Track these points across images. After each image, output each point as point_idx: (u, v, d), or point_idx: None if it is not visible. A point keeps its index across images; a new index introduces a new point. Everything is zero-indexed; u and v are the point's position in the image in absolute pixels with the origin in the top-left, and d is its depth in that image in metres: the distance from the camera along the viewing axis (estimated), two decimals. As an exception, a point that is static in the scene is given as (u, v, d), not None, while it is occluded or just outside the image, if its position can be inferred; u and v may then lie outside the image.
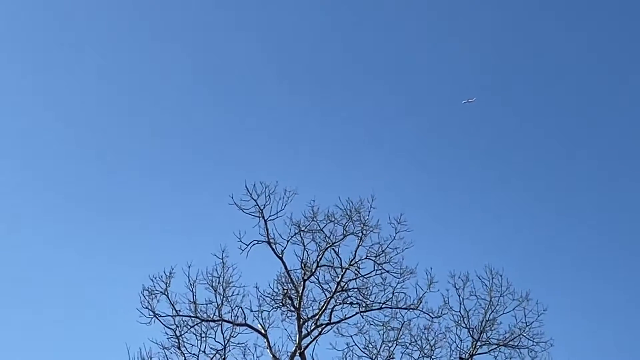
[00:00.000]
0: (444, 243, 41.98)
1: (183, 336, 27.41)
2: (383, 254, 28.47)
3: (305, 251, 28.53)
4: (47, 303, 47.39)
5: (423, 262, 28.52)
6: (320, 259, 28.54)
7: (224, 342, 27.42)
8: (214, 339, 27.51)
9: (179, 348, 27.30)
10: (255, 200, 28.24)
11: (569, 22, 58.86)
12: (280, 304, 28.34)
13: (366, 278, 28.55)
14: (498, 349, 28.04)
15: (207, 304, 27.72)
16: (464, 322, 28.17)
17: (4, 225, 52.26)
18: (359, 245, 28.58)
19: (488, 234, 49.04)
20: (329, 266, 28.63)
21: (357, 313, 28.40)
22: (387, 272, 28.45)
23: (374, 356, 27.90)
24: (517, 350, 27.91)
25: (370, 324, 28.27)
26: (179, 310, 27.55)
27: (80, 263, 48.62)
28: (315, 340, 27.88)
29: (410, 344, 28.07)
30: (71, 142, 56.00)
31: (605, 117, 57.55)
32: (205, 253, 28.51)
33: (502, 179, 55.17)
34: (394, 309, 28.30)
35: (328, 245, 28.56)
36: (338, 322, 28.28)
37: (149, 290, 27.55)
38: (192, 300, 27.64)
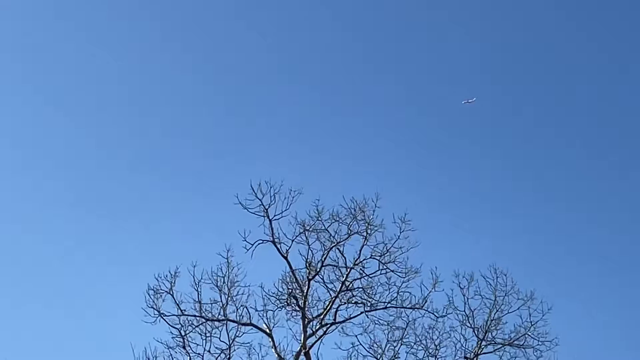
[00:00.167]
0: (449, 242, 42.00)
1: (188, 336, 27.51)
2: (388, 254, 28.50)
3: (310, 251, 28.60)
4: (53, 302, 47.59)
5: (428, 261, 28.58)
6: (325, 258, 28.55)
7: (229, 341, 27.50)
8: (219, 338, 27.62)
9: (184, 347, 27.35)
10: (260, 200, 28.29)
11: (572, 22, 58.90)
12: (285, 303, 28.35)
13: (371, 277, 28.61)
14: (503, 348, 28.04)
15: (212, 304, 27.81)
16: (469, 322, 28.19)
17: (13, 226, 52.49)
18: (363, 245, 28.63)
19: (492, 233, 49.08)
20: (334, 266, 28.65)
21: (362, 312, 28.42)
22: (392, 271, 28.50)
23: (378, 356, 27.91)
24: (522, 349, 27.90)
25: (375, 324, 28.33)
26: (184, 310, 27.63)
27: (85, 262, 48.84)
28: (320, 340, 27.94)
29: (415, 343, 28.15)
30: (78, 143, 56.22)
31: (614, 117, 57.57)
32: (210, 252, 28.62)
33: (507, 179, 55.26)
34: (398, 309, 28.34)
35: (333, 244, 28.57)
36: (343, 321, 28.30)
37: (154, 289, 27.63)
38: (197, 300, 27.72)
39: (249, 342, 27.57)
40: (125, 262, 47.02)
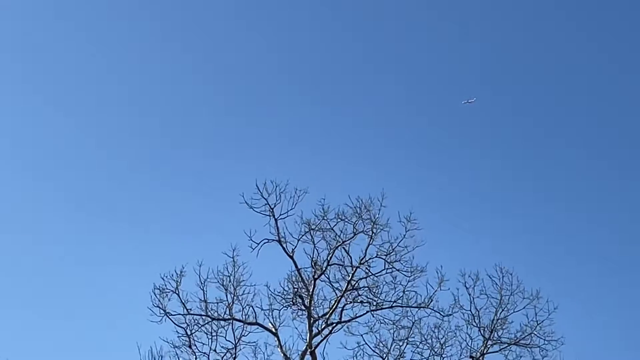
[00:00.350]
0: (454, 241, 41.93)
1: (194, 335, 27.52)
2: (393, 253, 28.46)
3: (315, 250, 28.54)
4: (59, 302, 47.62)
5: (433, 260, 28.54)
6: (331, 257, 28.53)
7: (235, 340, 27.51)
8: (225, 337, 27.62)
9: (189, 347, 27.35)
10: (265, 199, 28.28)
11: (572, 22, 58.90)
12: (291, 302, 28.33)
13: (376, 277, 28.56)
14: (509, 347, 28.01)
15: (217, 303, 27.82)
16: (475, 321, 28.17)
17: (16, 225, 52.56)
18: (369, 244, 28.57)
19: (498, 232, 49.04)
20: (340, 265, 28.61)
21: (367, 312, 28.39)
22: (398, 270, 28.44)
23: (384, 355, 27.89)
24: (528, 349, 27.87)
25: (381, 323, 28.29)
26: (190, 309, 27.62)
27: (91, 262, 48.82)
28: (325, 339, 27.91)
29: (420, 342, 28.10)
30: (80, 143, 56.29)
31: (614, 117, 57.53)
32: (216, 252, 28.61)
33: (512, 178, 55.21)
34: (404, 308, 28.29)
35: (338, 243, 28.54)
36: (348, 320, 28.26)
37: (160, 289, 27.64)
38: (203, 299, 27.73)
39: (254, 342, 27.66)
40: (130, 261, 47.11)
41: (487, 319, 28.18)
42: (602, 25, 58.73)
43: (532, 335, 27.92)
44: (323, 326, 28.03)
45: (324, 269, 28.45)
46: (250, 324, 27.76)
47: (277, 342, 27.69)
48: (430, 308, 28.16)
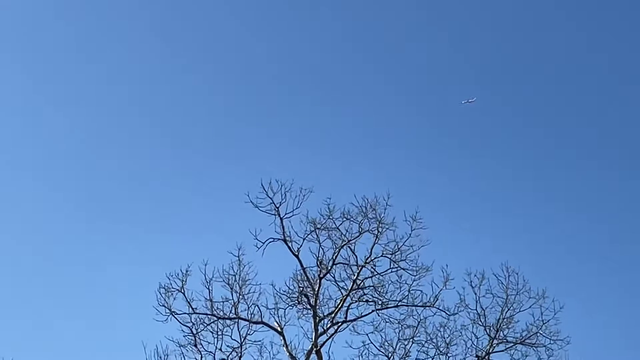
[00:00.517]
0: (460, 241, 41.90)
1: (199, 334, 27.49)
2: (399, 252, 28.45)
3: (321, 249, 28.56)
4: (64, 302, 47.68)
5: (439, 259, 28.52)
6: (336, 256, 28.53)
7: (240, 339, 27.48)
8: (231, 336, 27.61)
9: (195, 346, 27.34)
10: (271, 198, 28.28)
11: (572, 22, 58.86)
12: (297, 301, 28.33)
13: (382, 276, 28.56)
14: (515, 347, 27.96)
15: (223, 302, 27.82)
16: (481, 320, 28.13)
17: (23, 225, 52.67)
18: (374, 243, 28.57)
19: (504, 231, 48.98)
20: (345, 264, 28.60)
21: (373, 311, 28.37)
22: (403, 269, 28.44)
23: (389, 354, 27.86)
24: (534, 348, 27.83)
25: (386, 322, 28.27)
26: (196, 308, 27.65)
27: (96, 261, 48.87)
28: (331, 338, 27.89)
29: (426, 341, 28.09)
30: (88, 144, 56.38)
31: (614, 117, 57.51)
32: (221, 251, 28.61)
33: (519, 177, 55.16)
34: (410, 307, 28.29)
35: (344, 243, 28.53)
36: (354, 320, 28.24)
37: (166, 288, 27.62)
38: (208, 298, 27.71)
39: (260, 341, 27.63)
40: (136, 261, 47.15)
41: (493, 318, 28.18)
42: (602, 25, 58.75)
43: (538, 334, 27.88)
44: (328, 325, 28.03)
45: (329, 268, 28.44)
46: (256, 323, 27.75)
47: (282, 341, 27.70)
48: (435, 307, 28.19)
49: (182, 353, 27.10)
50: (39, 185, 54.93)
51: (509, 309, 28.13)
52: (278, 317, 27.98)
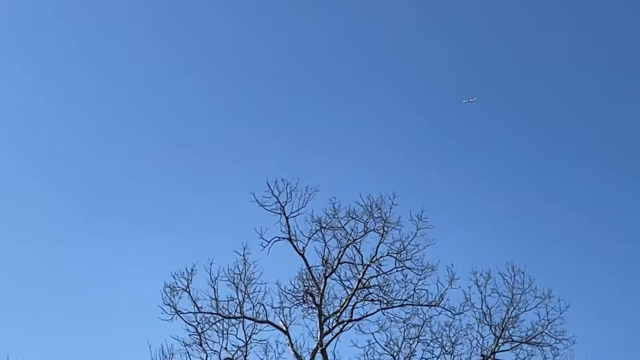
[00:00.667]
0: (466, 240, 41.96)
1: (205, 333, 27.37)
2: (404, 251, 28.40)
3: (326, 248, 28.48)
4: (69, 301, 47.63)
5: (444, 258, 28.47)
6: (342, 255, 28.48)
7: (246, 339, 27.39)
8: (236, 335, 27.48)
9: (200, 345, 27.27)
10: (276, 197, 28.22)
11: (572, 22, 58.92)
12: (302, 300, 28.28)
13: (387, 275, 28.49)
14: (520, 346, 27.93)
15: (228, 301, 27.68)
16: (486, 319, 28.10)
17: (26, 225, 52.63)
18: (380, 242, 28.52)
19: (510, 230, 49.02)
20: (350, 263, 28.56)
21: (378, 310, 28.30)
22: (409, 269, 28.37)
23: (395, 353, 27.83)
24: (540, 347, 27.80)
25: (392, 321, 28.20)
26: (201, 307, 27.53)
27: (101, 261, 48.83)
28: (336, 337, 27.82)
29: (431, 341, 28.03)
30: (88, 144, 56.36)
31: (614, 117, 57.59)
32: (226, 250, 28.55)
33: (524, 177, 55.22)
34: (415, 306, 28.23)
35: (349, 242, 28.50)
36: (359, 319, 28.19)
37: (171, 287, 27.54)
38: (213, 297, 27.60)
39: (265, 340, 27.52)
40: (141, 261, 47.09)
41: (499, 317, 28.13)
42: (602, 25, 58.82)
43: (544, 334, 27.85)
44: (334, 324, 27.98)
45: (334, 267, 28.39)
46: (261, 322, 27.68)
47: (287, 340, 27.64)
48: (441, 306, 28.13)
49: (188, 352, 27.07)
50: (39, 185, 54.92)
51: (514, 308, 28.13)
52: (283, 316, 27.95)
